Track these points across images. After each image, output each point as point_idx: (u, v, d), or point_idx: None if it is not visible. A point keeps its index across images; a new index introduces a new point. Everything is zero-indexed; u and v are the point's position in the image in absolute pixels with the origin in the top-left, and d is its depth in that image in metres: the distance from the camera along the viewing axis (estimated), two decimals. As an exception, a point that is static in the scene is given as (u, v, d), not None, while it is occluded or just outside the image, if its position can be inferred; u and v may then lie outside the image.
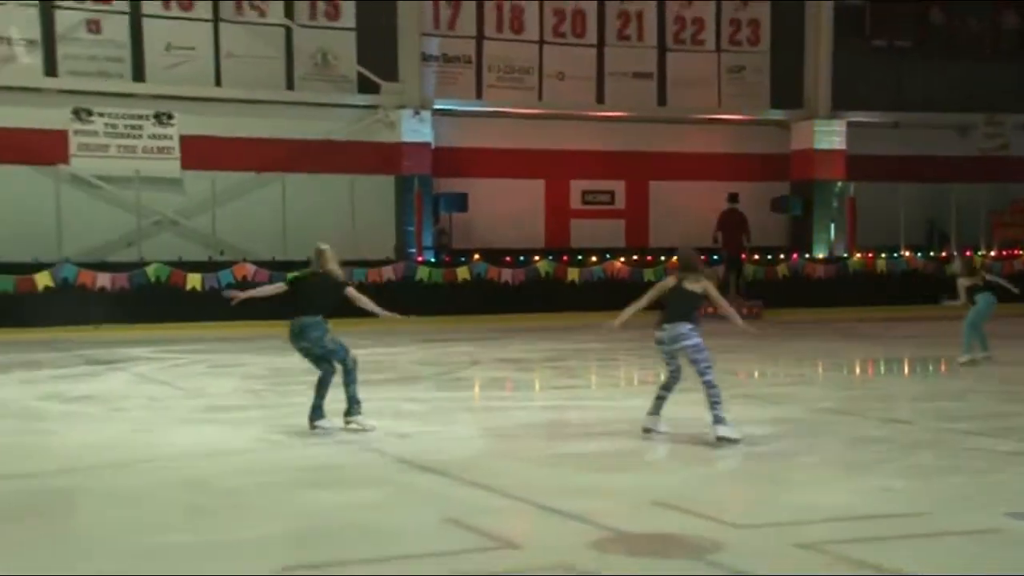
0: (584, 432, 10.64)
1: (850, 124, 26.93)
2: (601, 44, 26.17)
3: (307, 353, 10.28)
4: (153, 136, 22.50)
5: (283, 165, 23.01)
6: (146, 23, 22.86)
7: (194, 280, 21.04)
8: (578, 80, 25.94)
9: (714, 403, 9.70)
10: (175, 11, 23.01)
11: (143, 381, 14.32)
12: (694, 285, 9.80)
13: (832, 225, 26.90)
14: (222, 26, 23.36)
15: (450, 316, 22.00)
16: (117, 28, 22.69)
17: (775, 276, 25.20)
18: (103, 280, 20.75)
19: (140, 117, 22.40)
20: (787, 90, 27.27)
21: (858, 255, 26.07)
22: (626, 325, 10.22)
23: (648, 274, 24.47)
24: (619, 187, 26.40)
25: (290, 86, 23.84)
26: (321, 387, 10.24)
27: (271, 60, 23.73)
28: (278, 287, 10.53)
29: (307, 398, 10.43)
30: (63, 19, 22.29)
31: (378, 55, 24.01)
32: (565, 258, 24.26)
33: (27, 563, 6.50)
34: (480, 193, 24.37)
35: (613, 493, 8.01)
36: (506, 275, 23.49)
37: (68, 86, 22.12)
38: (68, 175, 21.95)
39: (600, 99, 26.20)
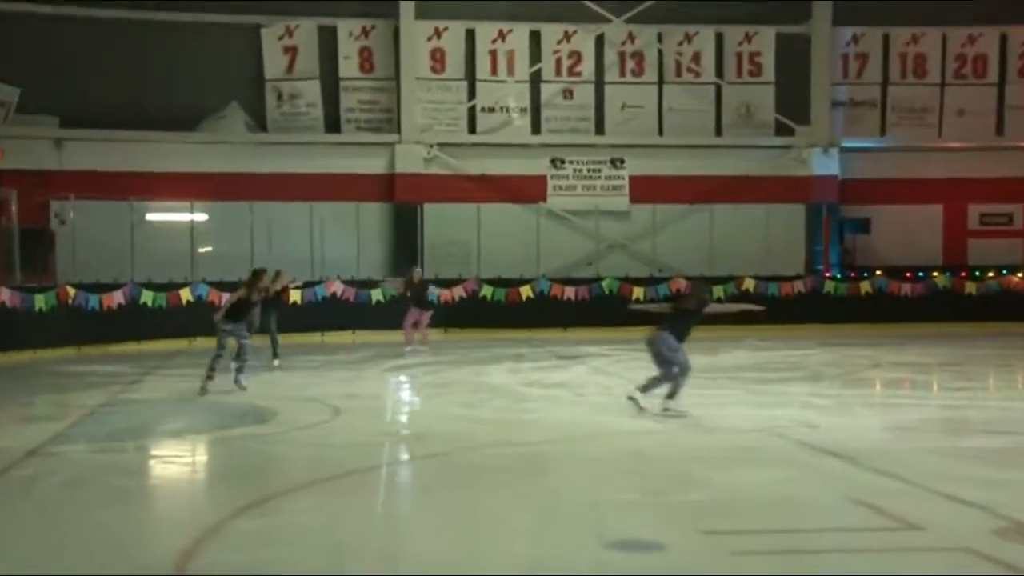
0: (982, 429, 9.55)
1: None
2: (1002, 82, 23.83)
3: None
4: (608, 177, 23.05)
5: (710, 197, 22.74)
6: (607, 89, 23.53)
7: (638, 292, 21.26)
8: (977, 115, 23.78)
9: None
10: (629, 78, 23.53)
11: (598, 373, 14.50)
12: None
13: None
14: (665, 87, 23.59)
15: (852, 324, 20.96)
16: (585, 95, 23.53)
17: None
18: (569, 292, 21.51)
19: (599, 163, 23.04)
20: None
21: None
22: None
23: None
24: (1018, 210, 23.83)
25: (718, 132, 23.62)
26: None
27: (703, 112, 23.60)
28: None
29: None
30: (546, 90, 23.43)
31: (792, 103, 23.24)
32: (963, 273, 22.33)
33: (512, 505, 6.78)
34: (882, 218, 22.98)
35: (1011, 485, 7.09)
36: (905, 288, 22.05)
37: (547, 141, 23.13)
38: (545, 210, 22.91)
39: (999, 131, 23.80)
